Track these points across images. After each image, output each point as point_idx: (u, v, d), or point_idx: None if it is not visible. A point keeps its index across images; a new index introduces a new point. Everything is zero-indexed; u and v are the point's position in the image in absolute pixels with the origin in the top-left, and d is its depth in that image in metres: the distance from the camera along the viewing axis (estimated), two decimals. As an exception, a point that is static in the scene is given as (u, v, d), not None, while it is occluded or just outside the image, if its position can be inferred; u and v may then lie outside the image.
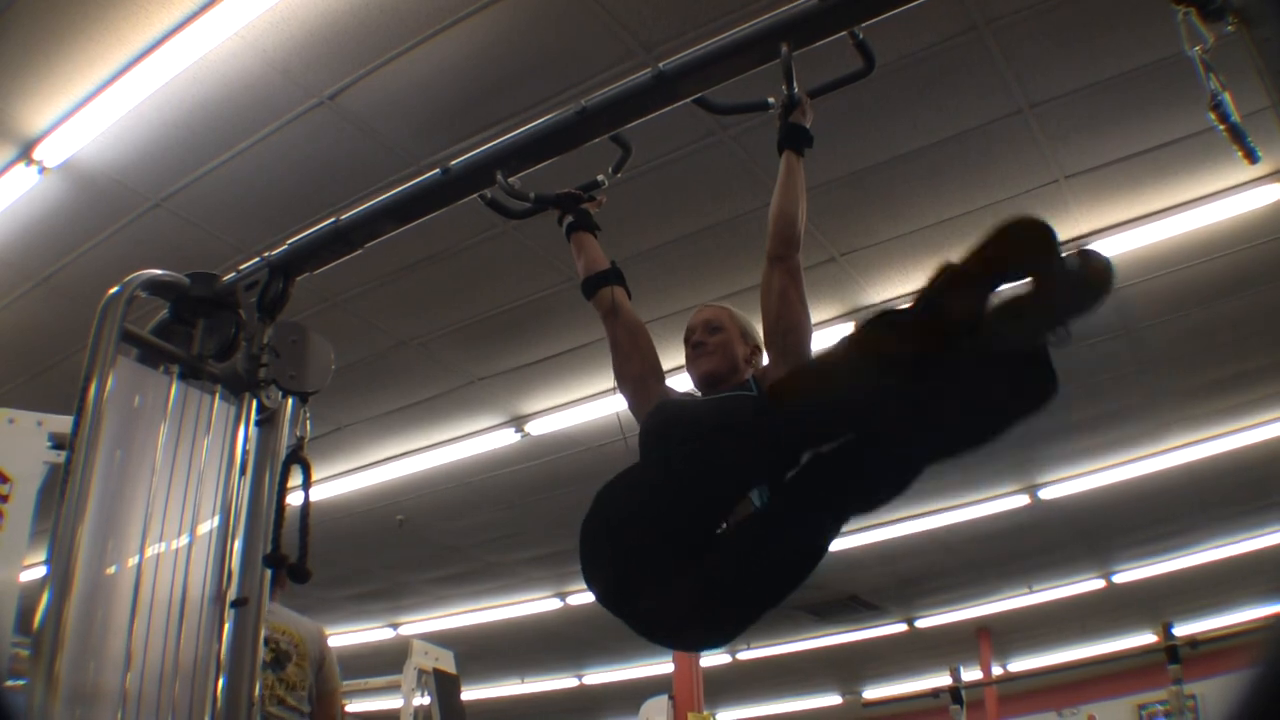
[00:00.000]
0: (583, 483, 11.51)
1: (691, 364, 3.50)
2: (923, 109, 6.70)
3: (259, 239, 6.60)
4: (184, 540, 3.72)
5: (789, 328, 3.30)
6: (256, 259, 4.13)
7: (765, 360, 3.50)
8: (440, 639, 12.63)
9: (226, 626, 3.75)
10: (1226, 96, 2.62)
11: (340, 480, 11.42)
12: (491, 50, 6.16)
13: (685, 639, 3.16)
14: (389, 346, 9.12)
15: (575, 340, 8.81)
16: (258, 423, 4.07)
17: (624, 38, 6.04)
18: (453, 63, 6.24)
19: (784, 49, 3.10)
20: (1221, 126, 2.65)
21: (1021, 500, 12.15)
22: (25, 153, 6.72)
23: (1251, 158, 2.71)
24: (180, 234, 7.45)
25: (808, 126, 3.36)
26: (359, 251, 4.09)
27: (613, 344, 3.65)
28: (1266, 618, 14.48)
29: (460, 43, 6.09)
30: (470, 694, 14.71)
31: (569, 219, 3.83)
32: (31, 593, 3.71)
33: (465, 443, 10.84)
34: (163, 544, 3.64)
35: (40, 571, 3.34)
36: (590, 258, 3.77)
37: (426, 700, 10.78)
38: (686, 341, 3.55)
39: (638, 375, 3.59)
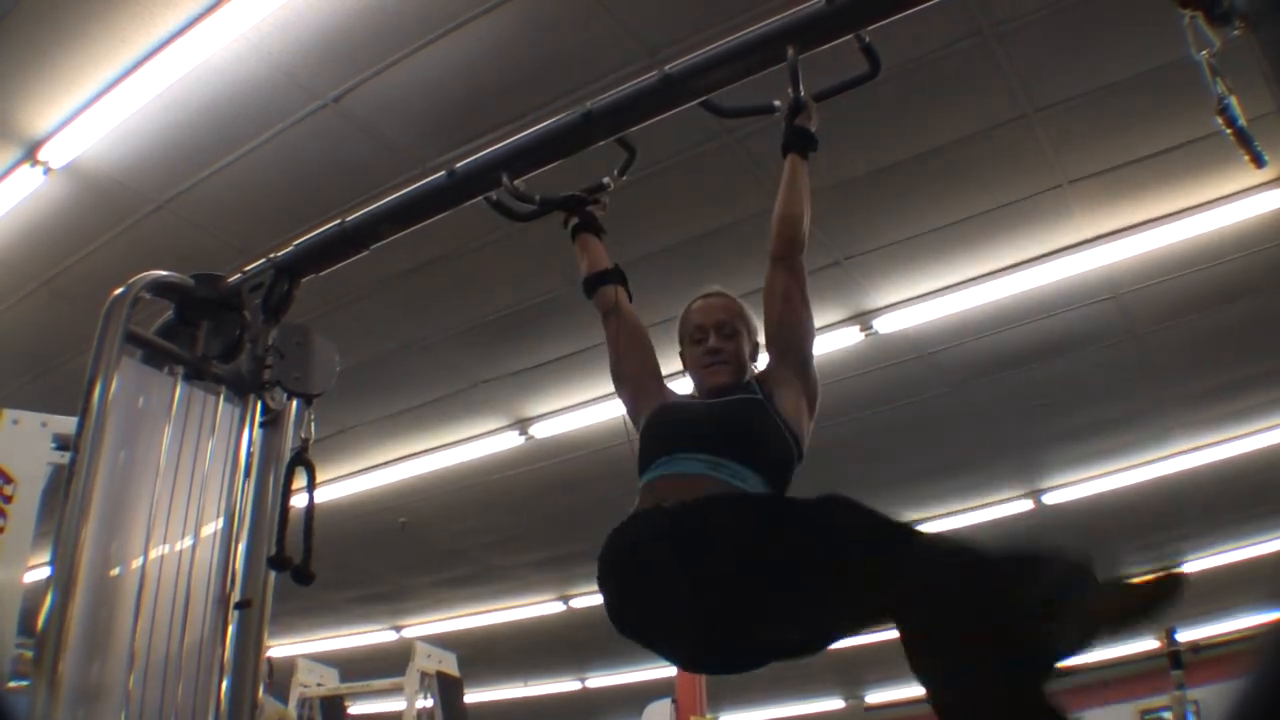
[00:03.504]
0: (587, 486, 11.55)
1: (702, 371, 3.41)
2: (927, 113, 6.70)
3: (263, 241, 6.58)
4: (188, 542, 3.73)
5: (792, 329, 3.29)
6: (261, 261, 4.13)
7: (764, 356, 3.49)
8: (443, 641, 12.63)
9: (230, 628, 3.75)
10: (1233, 100, 2.62)
11: (344, 483, 11.41)
12: (497, 53, 6.16)
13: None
14: (393, 349, 9.12)
15: (580, 343, 8.79)
16: (262, 424, 4.07)
17: (629, 41, 6.05)
18: (458, 65, 6.24)
19: (790, 52, 3.10)
20: (1228, 131, 2.64)
21: (1025, 505, 12.14)
22: (30, 154, 6.73)
23: (1258, 162, 2.71)
24: (185, 236, 7.45)
25: (812, 130, 3.34)
26: (364, 253, 4.09)
27: (611, 343, 3.60)
28: (1268, 624, 14.48)
29: (465, 45, 6.10)
30: (473, 697, 14.70)
31: (573, 220, 3.80)
32: (35, 594, 3.71)
33: (469, 445, 10.85)
34: (166, 546, 3.64)
35: (44, 572, 3.34)
36: (593, 258, 3.75)
37: (429, 703, 10.79)
38: (696, 341, 3.46)
39: (635, 374, 3.54)
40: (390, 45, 6.11)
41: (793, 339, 3.31)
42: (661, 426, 3.30)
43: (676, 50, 5.28)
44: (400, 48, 6.12)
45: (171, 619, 3.58)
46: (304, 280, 4.19)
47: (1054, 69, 6.40)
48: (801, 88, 3.19)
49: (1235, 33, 2.54)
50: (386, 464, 11.26)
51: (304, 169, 6.98)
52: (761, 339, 3.49)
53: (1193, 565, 14.04)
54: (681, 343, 3.55)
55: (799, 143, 3.31)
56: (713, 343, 3.41)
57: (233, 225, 7.42)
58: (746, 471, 3.05)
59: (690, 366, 3.48)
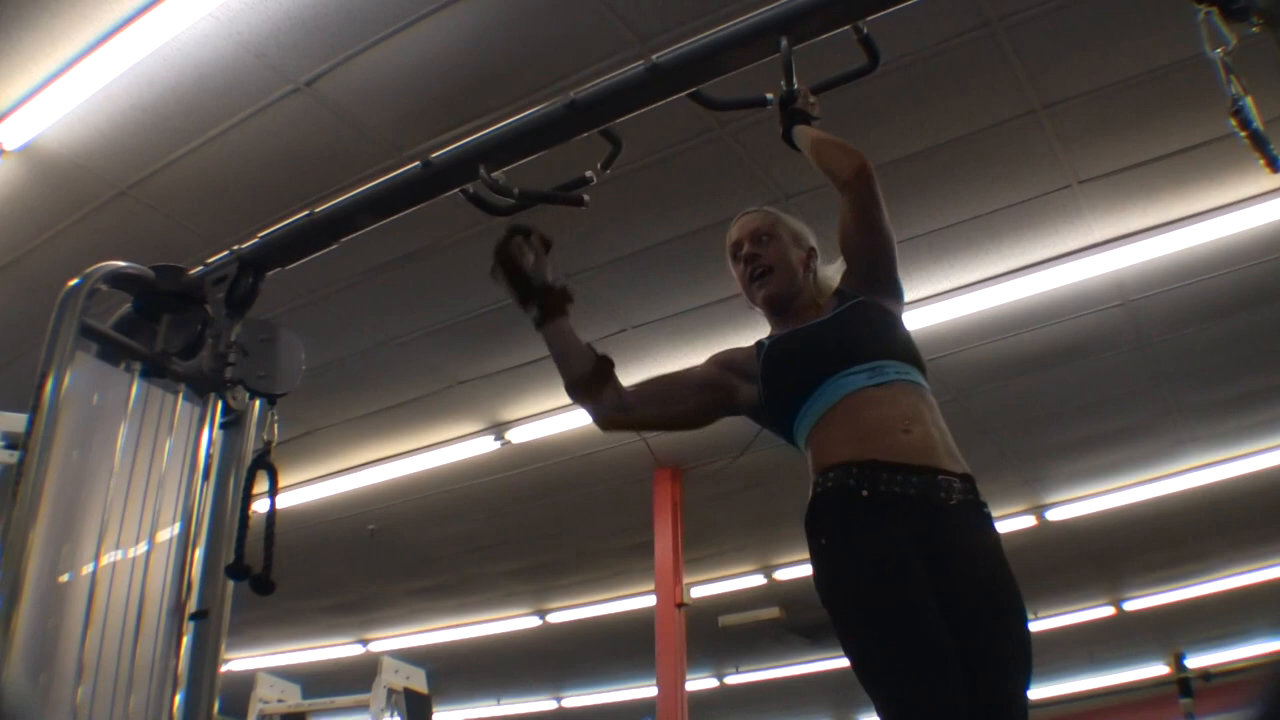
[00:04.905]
0: (565, 493, 11.55)
1: (751, 286, 3.40)
2: (930, 108, 6.71)
3: (230, 231, 6.58)
4: (142, 548, 3.72)
5: (868, 254, 3.30)
6: (225, 252, 4.12)
7: (820, 262, 3.50)
8: (412, 656, 12.65)
9: (185, 639, 3.74)
10: (1248, 101, 2.62)
11: (311, 486, 11.43)
12: (481, 37, 6.15)
13: None
14: (366, 346, 9.11)
15: (561, 344, 8.77)
16: (223, 425, 4.06)
17: (619, 28, 6.05)
18: (439, 49, 6.24)
19: (783, 43, 3.10)
20: (1242, 133, 2.65)
21: (1028, 521, 12.16)
22: (-17, 134, 6.72)
23: (1273, 166, 2.71)
24: (147, 224, 7.44)
25: (814, 116, 3.33)
26: (334, 247, 4.08)
27: (655, 421, 3.47)
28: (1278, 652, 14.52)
29: (448, 28, 6.09)
30: (443, 715, 14.73)
31: (533, 311, 3.47)
32: (-20, 600, 3.70)
33: (443, 449, 10.89)
34: (120, 551, 3.63)
35: (-10, 578, 3.33)
36: (573, 352, 3.38)
37: (396, 721, 10.78)
38: (737, 259, 3.46)
39: (713, 388, 3.37)
40: (367, 27, 6.09)
41: (873, 262, 3.30)
42: (797, 357, 3.23)
43: (670, 37, 5.29)
44: (378, 29, 6.10)
45: (124, 629, 3.57)
46: (276, 272, 4.18)
47: (1064, 63, 6.42)
48: (795, 80, 3.20)
49: (1253, 29, 2.54)
50: (356, 468, 11.26)
51: (275, 156, 6.97)
52: (814, 243, 3.50)
53: (1205, 587, 14.09)
54: (735, 273, 3.53)
55: (799, 119, 3.29)
56: (748, 249, 3.41)
57: (198, 213, 7.41)
58: (905, 366, 3.11)
59: (745, 291, 3.47)
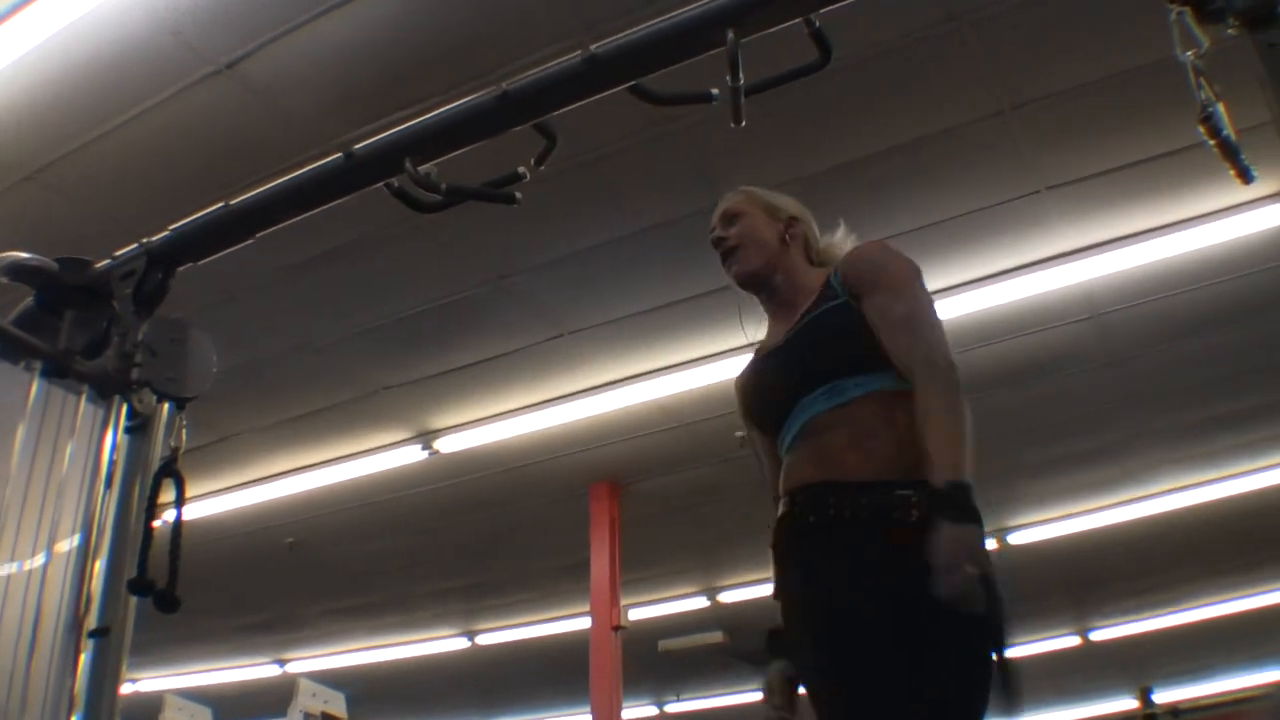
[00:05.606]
0: (497, 506, 11.47)
1: (727, 272, 3.46)
2: (891, 106, 6.74)
3: (142, 221, 6.47)
4: (40, 559, 3.70)
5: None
6: (135, 245, 4.11)
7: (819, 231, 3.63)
8: (331, 678, 12.60)
9: (83, 658, 3.73)
10: (1220, 108, 2.64)
11: (224, 496, 11.34)
12: (416, 20, 6.13)
13: None
14: (284, 348, 9.06)
15: (492, 349, 8.77)
16: (128, 429, 4.04)
17: (563, 13, 6.04)
18: (371, 32, 6.21)
19: (730, 36, 3.10)
20: (1212, 141, 2.67)
21: (989, 545, 12.11)
22: (-124, 110, 6.67)
23: (1245, 177, 2.72)
24: (53, 211, 7.39)
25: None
26: (250, 241, 4.07)
27: None
28: (1259, 686, 14.62)
29: (381, 10, 6.06)
30: (363, 742, 14.68)
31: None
32: None
33: (367, 459, 10.86)
34: (15, 563, 3.62)
35: (-128, 588, 3.32)
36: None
37: (312, 748, 10.74)
38: (712, 246, 3.52)
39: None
40: (293, 6, 6.05)
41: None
42: (764, 393, 3.31)
43: (614, 26, 5.28)
44: (305, 10, 6.06)
45: (17, 646, 3.55)
46: (188, 268, 4.17)
47: (1035, 62, 6.45)
48: (742, 75, 3.20)
49: (1230, 31, 2.55)
50: (274, 477, 11.20)
51: (192, 142, 6.92)
52: (796, 211, 3.63)
53: (1175, 618, 14.17)
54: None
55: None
56: (717, 232, 3.47)
57: (109, 202, 7.33)
58: (866, 379, 3.15)
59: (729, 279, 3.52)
